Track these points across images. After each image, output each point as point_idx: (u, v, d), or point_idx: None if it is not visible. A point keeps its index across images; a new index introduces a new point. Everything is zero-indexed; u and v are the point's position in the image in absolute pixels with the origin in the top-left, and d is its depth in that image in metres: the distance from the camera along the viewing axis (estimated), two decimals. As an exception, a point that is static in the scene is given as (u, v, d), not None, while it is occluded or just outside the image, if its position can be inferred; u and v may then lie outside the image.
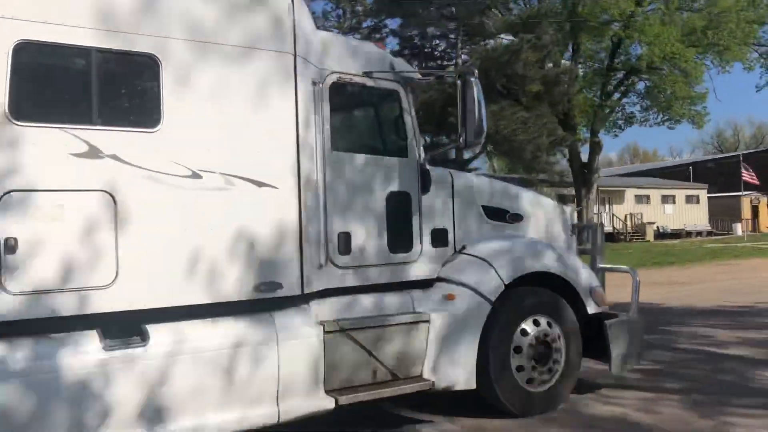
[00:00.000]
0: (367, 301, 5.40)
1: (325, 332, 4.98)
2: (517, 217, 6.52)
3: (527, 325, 5.87)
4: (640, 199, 47.31)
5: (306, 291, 4.89)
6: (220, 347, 4.47)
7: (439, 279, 5.85)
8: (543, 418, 5.85)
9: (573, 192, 31.57)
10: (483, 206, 6.24)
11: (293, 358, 4.73)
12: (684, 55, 27.78)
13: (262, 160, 4.70)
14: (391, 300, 5.51)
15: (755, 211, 52.04)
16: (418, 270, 5.74)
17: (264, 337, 4.64)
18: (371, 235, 5.45)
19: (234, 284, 4.56)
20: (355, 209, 5.38)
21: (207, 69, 4.52)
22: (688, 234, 46.04)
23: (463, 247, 6.04)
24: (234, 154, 4.60)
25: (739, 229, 45.74)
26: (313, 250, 5.00)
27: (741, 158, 45.66)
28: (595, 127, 31.04)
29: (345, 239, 5.30)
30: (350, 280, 5.34)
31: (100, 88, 4.25)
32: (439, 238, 5.91)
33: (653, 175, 57.72)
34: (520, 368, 5.82)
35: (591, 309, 6.30)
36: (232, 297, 4.57)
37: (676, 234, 45.31)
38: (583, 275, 6.36)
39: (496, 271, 5.78)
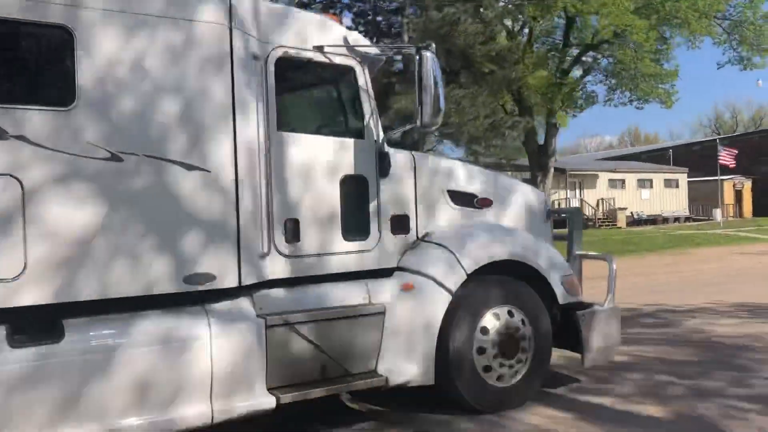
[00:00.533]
0: (317, 291, 5.06)
1: (267, 326, 4.64)
2: (486, 202, 6.16)
3: (491, 317, 5.52)
4: (614, 184, 45.28)
5: (245, 282, 4.55)
6: (145, 343, 4.15)
7: (399, 268, 5.50)
8: (508, 414, 5.54)
9: (529, 177, 30.04)
10: (448, 191, 5.87)
11: (228, 354, 4.41)
12: (635, 27, 25.54)
13: (192, 142, 4.34)
14: (345, 291, 5.17)
15: (738, 195, 49.94)
16: (376, 259, 5.39)
17: (194, 331, 4.31)
18: (323, 221, 5.10)
19: (160, 276, 4.22)
20: (304, 194, 5.03)
21: (127, 42, 4.15)
22: (665, 220, 43.97)
23: (426, 234, 5.68)
24: (160, 135, 4.24)
25: (718, 214, 43.09)
26: (254, 238, 4.66)
27: (718, 141, 43.68)
28: (551, 108, 28.82)
29: (293, 226, 4.95)
30: (299, 269, 5.00)
31: (4, 62, 3.90)
32: (399, 224, 5.55)
33: (638, 159, 55.67)
34: (483, 362, 5.48)
35: (562, 299, 5.95)
36: (159, 289, 4.23)
37: (652, 220, 43.52)
38: (555, 263, 6.00)
39: (457, 260, 5.43)
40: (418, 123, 5.07)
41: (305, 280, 5.07)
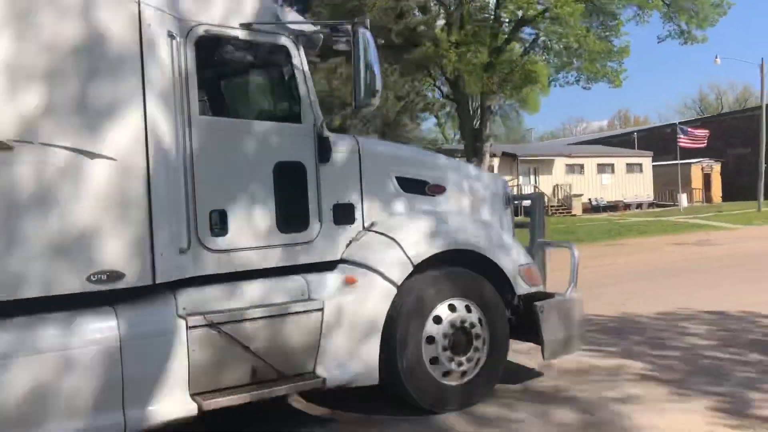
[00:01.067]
0: (250, 288, 4.69)
1: (188, 327, 4.29)
2: (439, 189, 5.80)
3: (441, 311, 5.18)
4: (572, 169, 42.95)
5: (160, 280, 4.18)
6: (44, 349, 3.78)
7: (343, 261, 5.15)
8: (463, 412, 5.21)
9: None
10: (397, 177, 5.51)
11: (141, 358, 4.05)
12: (560, 1, 23.61)
13: (94, 128, 3.95)
14: (281, 286, 4.81)
15: (707, 179, 47.94)
16: (317, 251, 5.03)
17: (101, 335, 3.95)
18: (254, 212, 4.74)
19: (61, 274, 3.85)
20: (233, 183, 4.66)
21: (14, 15, 3.76)
22: (626, 207, 42.23)
23: (372, 224, 5.33)
24: (57, 121, 3.84)
25: (684, 200, 41.34)
26: (172, 232, 4.29)
27: (677, 124, 42.47)
28: (484, 89, 26.46)
29: (219, 218, 4.59)
30: (228, 265, 4.63)
31: None
32: (343, 214, 5.19)
33: (609, 143, 53.49)
34: (434, 360, 5.15)
35: (520, 289, 5.62)
36: (60, 289, 3.86)
37: (612, 207, 41.68)
38: (511, 252, 5.66)
39: (403, 250, 5.08)
40: (354, 104, 4.70)
41: (239, 276, 4.72)
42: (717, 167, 47.83)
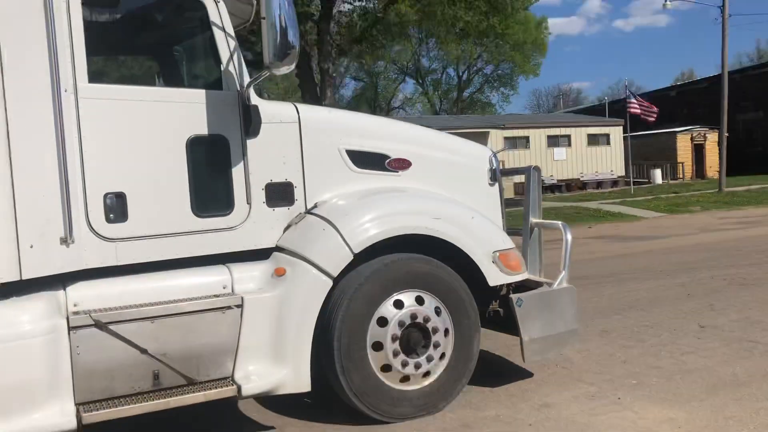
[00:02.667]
0: (159, 282, 4.10)
1: (70, 328, 3.73)
2: (403, 164, 5.02)
3: (389, 305, 4.45)
4: (513, 143, 35.62)
5: (28, 275, 3.63)
6: None
7: (279, 248, 4.49)
8: (414, 423, 4.49)
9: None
10: (348, 150, 4.77)
11: (4, 365, 3.52)
12: None
13: None
14: (197, 279, 4.19)
15: (699, 151, 40.35)
16: (245, 237, 4.38)
17: None
18: (161, 195, 4.12)
19: None
20: (134, 162, 4.05)
21: None
22: (583, 185, 35.65)
23: (315, 206, 4.63)
24: None
25: (658, 176, 36.50)
26: (46, 220, 3.71)
27: (626, 87, 36.37)
28: (321, 64, 23.22)
29: (117, 203, 3.99)
30: (129, 256, 4.05)
31: None
32: (278, 194, 4.51)
33: (599, 113, 45.38)
34: (380, 360, 4.44)
35: (493, 279, 4.81)
36: None
37: (566, 185, 35.08)
38: (483, 236, 4.84)
39: (341, 236, 4.36)
40: (264, 65, 3.98)
41: (153, 267, 4.13)
42: (712, 136, 38.35)
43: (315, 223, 4.45)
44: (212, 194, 4.31)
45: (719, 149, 30.12)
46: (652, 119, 32.17)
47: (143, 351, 3.88)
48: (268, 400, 4.82)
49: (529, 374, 5.40)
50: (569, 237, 5.24)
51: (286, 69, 3.95)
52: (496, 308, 5.11)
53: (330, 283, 4.29)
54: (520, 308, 4.82)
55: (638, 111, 31.84)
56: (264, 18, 3.80)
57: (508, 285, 5.12)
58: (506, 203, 5.75)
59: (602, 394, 4.89)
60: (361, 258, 4.43)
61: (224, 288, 4.22)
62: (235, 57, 4.31)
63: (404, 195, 4.81)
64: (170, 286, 4.10)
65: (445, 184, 5.15)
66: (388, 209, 4.58)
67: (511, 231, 5.62)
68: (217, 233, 4.29)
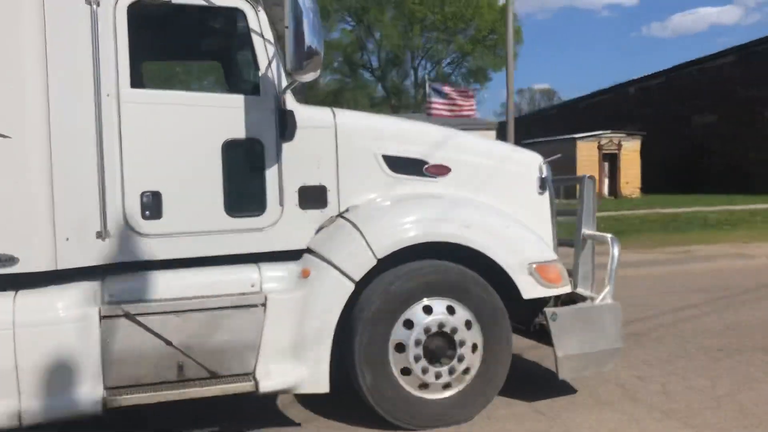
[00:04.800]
0: (189, 277, 4.30)
1: (101, 317, 3.99)
2: (442, 170, 4.98)
3: (413, 313, 4.44)
4: None
5: (63, 266, 3.92)
6: None
7: (309, 250, 4.59)
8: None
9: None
10: (384, 156, 4.80)
11: (39, 347, 3.82)
12: None
13: None
14: (227, 277, 4.35)
15: (613, 162, 31.31)
16: (277, 238, 4.51)
17: None
18: (196, 195, 4.32)
19: None
20: (171, 163, 4.27)
21: None
22: None
23: (347, 210, 4.69)
24: None
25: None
26: (82, 215, 3.99)
27: (427, 80, 30.76)
28: None
29: (152, 201, 4.22)
30: (164, 251, 4.27)
31: None
32: (312, 197, 4.60)
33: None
34: (405, 370, 4.44)
35: (528, 291, 4.68)
36: None
37: None
38: (520, 246, 4.72)
39: (365, 240, 4.39)
40: (287, 71, 4.08)
41: (186, 264, 4.35)
42: (630, 144, 31.45)
43: (343, 227, 4.51)
44: (245, 195, 4.46)
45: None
46: (471, 114, 25.03)
47: (168, 343, 4.10)
48: (302, 398, 4.93)
49: (573, 391, 5.20)
50: (616, 252, 5.00)
51: (312, 75, 4.02)
52: (541, 321, 4.97)
53: (351, 286, 4.34)
54: (555, 323, 4.68)
55: (445, 113, 23.89)
56: (287, 27, 3.89)
57: (556, 298, 4.98)
58: (563, 213, 5.60)
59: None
60: (390, 264, 4.45)
61: (252, 286, 4.37)
62: (273, 63, 4.44)
63: (437, 201, 4.77)
64: (202, 282, 4.29)
65: (488, 191, 5.06)
66: (417, 215, 4.57)
67: (563, 242, 5.45)
68: (250, 233, 4.44)
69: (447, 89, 25.06)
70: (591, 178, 5.48)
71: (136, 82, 4.23)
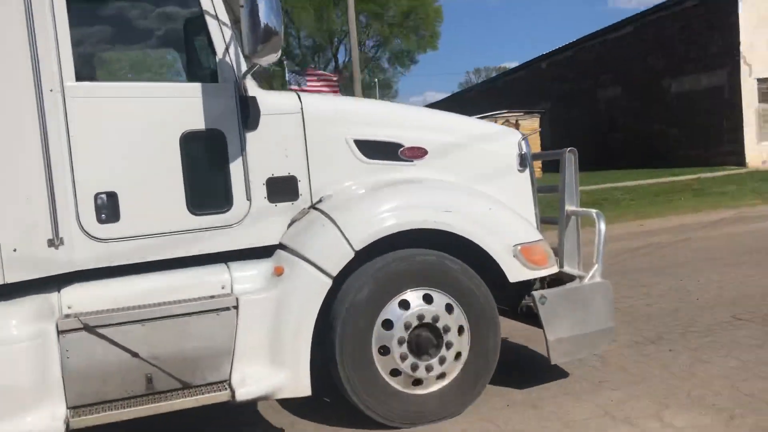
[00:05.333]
0: (153, 283, 4.01)
1: (59, 332, 3.68)
2: (418, 152, 4.72)
3: (390, 312, 4.20)
4: None
5: (12, 279, 3.60)
6: None
7: (281, 246, 4.31)
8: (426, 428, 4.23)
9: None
10: (356, 141, 4.52)
11: None
12: None
13: None
14: (195, 279, 4.07)
15: None
16: (246, 235, 4.22)
17: None
18: (156, 193, 4.01)
19: None
20: (126, 161, 3.96)
21: None
22: None
23: (320, 200, 4.41)
24: None
25: None
26: (29, 222, 3.67)
27: (287, 69, 28.58)
28: None
29: (108, 202, 3.91)
30: (124, 256, 3.97)
31: None
32: (281, 189, 4.32)
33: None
34: (394, 372, 4.21)
35: (514, 274, 4.46)
36: None
37: None
38: (503, 228, 4.49)
39: (341, 233, 4.13)
40: (246, 54, 3.78)
41: (150, 268, 4.05)
42: (528, 122, 28.39)
43: (316, 219, 4.24)
44: (209, 191, 4.17)
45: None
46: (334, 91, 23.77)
47: (135, 354, 3.80)
48: (285, 402, 4.68)
49: (565, 374, 5.01)
50: (603, 227, 4.80)
51: (271, 58, 3.73)
52: (529, 303, 4.77)
53: (329, 282, 4.08)
54: (544, 306, 4.47)
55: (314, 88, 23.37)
56: (242, 6, 3.58)
57: (542, 279, 4.78)
58: (545, 190, 5.39)
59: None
60: (368, 256, 4.20)
61: (222, 288, 4.09)
62: (231, 48, 4.13)
63: (414, 186, 4.52)
64: (167, 287, 4.00)
65: (467, 172, 4.82)
66: (394, 203, 4.31)
67: (546, 221, 5.25)
68: (216, 231, 4.15)
69: (309, 77, 24.65)
70: (572, 151, 5.25)
71: (83, 74, 3.89)
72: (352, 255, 4.10)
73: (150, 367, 3.84)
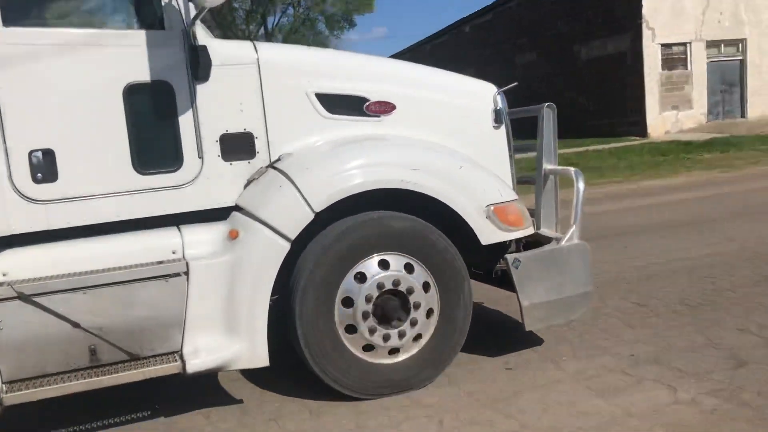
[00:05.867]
0: (98, 247, 3.71)
1: (-9, 301, 3.40)
2: (386, 107, 4.41)
3: (370, 266, 3.95)
4: None
5: None
6: None
7: (237, 208, 4.01)
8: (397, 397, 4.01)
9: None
10: (318, 94, 4.20)
11: None
12: None
13: None
14: (143, 244, 3.77)
15: None
16: (198, 196, 3.92)
17: None
18: (97, 150, 3.69)
19: None
20: (63, 116, 3.62)
21: None
22: None
23: (279, 159, 4.11)
24: None
25: None
26: None
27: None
28: None
29: (45, 161, 3.59)
30: (65, 218, 3.66)
31: None
32: (236, 147, 4.00)
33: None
34: (350, 327, 3.96)
35: (487, 236, 4.21)
36: None
37: None
38: (475, 187, 4.22)
39: (300, 193, 3.84)
40: None
41: (93, 232, 3.75)
42: None
43: (274, 179, 3.94)
44: (157, 148, 3.85)
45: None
46: None
47: (76, 325, 3.52)
48: (246, 373, 4.44)
49: (540, 341, 4.80)
50: (581, 186, 4.55)
51: (213, 3, 3.38)
52: (503, 267, 4.52)
53: (287, 246, 3.80)
54: (518, 270, 4.23)
55: None
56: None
57: (518, 242, 4.53)
58: (521, 149, 5.11)
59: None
60: (329, 218, 3.92)
61: (174, 253, 3.80)
62: None
63: (380, 144, 4.21)
64: (112, 252, 3.71)
65: (438, 129, 4.51)
66: (358, 161, 4.01)
67: (523, 180, 4.99)
68: (165, 192, 3.84)
69: None
70: (550, 106, 4.97)
71: (12, 19, 3.53)
72: (311, 216, 3.82)
73: (93, 338, 3.57)
